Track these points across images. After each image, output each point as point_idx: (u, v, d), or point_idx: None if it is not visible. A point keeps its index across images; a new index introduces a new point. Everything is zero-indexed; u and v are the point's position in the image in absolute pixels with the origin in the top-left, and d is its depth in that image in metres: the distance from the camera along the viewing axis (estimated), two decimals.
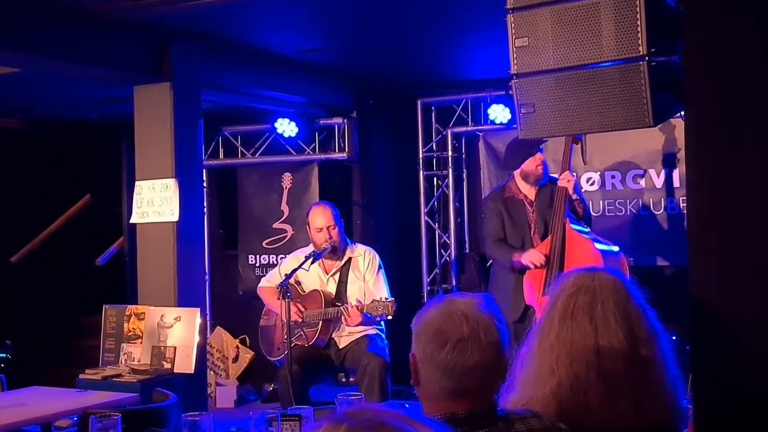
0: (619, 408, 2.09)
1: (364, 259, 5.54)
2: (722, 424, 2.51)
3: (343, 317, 5.32)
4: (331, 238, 5.43)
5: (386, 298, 5.26)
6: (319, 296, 5.44)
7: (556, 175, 5.49)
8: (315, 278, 5.53)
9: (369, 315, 5.25)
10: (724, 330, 2.50)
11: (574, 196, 5.27)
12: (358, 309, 5.27)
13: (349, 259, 5.54)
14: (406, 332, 2.06)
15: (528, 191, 5.57)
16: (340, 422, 1.22)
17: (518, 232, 5.52)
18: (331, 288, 5.52)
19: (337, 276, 5.53)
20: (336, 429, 1.21)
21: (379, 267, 5.55)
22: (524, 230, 5.52)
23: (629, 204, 6.97)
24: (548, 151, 6.71)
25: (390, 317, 5.20)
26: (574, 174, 5.42)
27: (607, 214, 7.01)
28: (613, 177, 7.03)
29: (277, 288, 5.16)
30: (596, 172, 7.05)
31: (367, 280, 5.51)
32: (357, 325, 5.34)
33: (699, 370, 2.56)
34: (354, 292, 5.46)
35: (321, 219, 5.47)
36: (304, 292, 5.52)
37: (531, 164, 5.52)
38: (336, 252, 5.49)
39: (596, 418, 2.09)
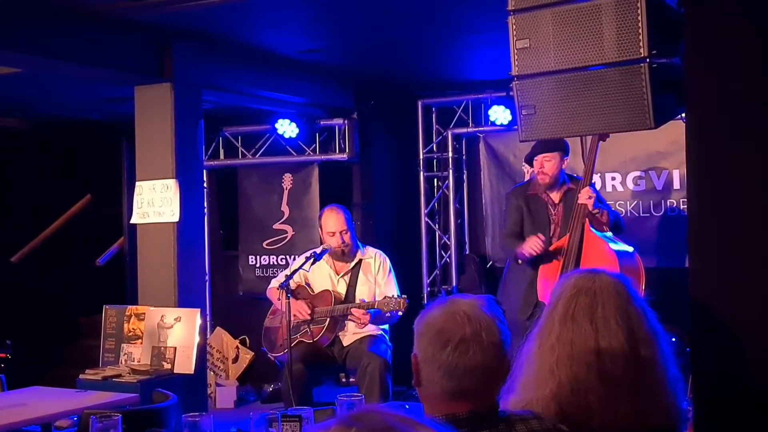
0: (620, 409, 2.09)
1: (374, 261, 5.57)
2: (722, 426, 2.51)
3: (353, 320, 5.35)
4: (344, 242, 5.46)
5: (398, 295, 5.30)
6: (329, 296, 5.48)
7: (580, 175, 5.33)
8: (326, 279, 5.56)
9: (380, 311, 5.27)
10: (724, 331, 2.50)
11: (595, 211, 5.11)
12: (363, 307, 5.29)
13: (360, 261, 5.57)
14: (407, 333, 2.07)
15: (551, 193, 5.48)
16: (349, 426, 1.22)
17: (536, 230, 5.42)
18: (341, 289, 5.55)
19: (347, 278, 5.57)
20: None
21: (390, 270, 5.60)
22: (543, 229, 5.41)
23: (629, 206, 6.97)
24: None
25: (401, 313, 5.22)
26: (596, 189, 5.29)
27: None
28: (613, 178, 7.03)
29: (278, 288, 5.18)
30: (596, 173, 7.05)
31: (379, 282, 5.54)
32: (366, 324, 5.37)
33: (699, 372, 2.56)
34: (363, 294, 5.49)
35: (334, 223, 5.48)
36: (314, 292, 5.55)
37: (535, 168, 5.48)
38: (346, 255, 5.51)
39: (596, 420, 2.09)
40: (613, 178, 7.02)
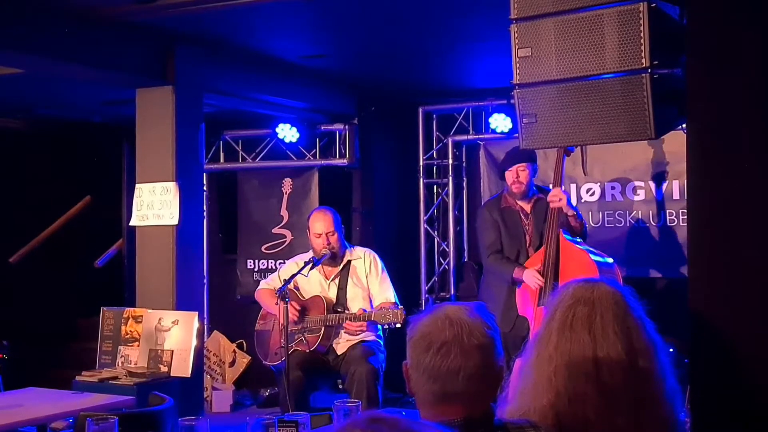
0: (617, 421, 2.08)
1: (363, 261, 5.50)
2: None
3: (349, 332, 5.31)
4: (329, 244, 5.41)
5: (394, 304, 5.24)
6: (321, 302, 5.40)
7: (550, 186, 5.51)
8: (315, 284, 5.50)
9: (376, 322, 5.23)
10: (723, 343, 2.50)
11: (570, 212, 5.27)
12: (359, 318, 5.26)
13: (348, 262, 5.51)
14: (403, 340, 2.07)
15: (522, 203, 5.61)
16: (367, 427, 1.21)
17: (514, 243, 5.55)
18: (332, 293, 5.48)
19: (337, 281, 5.50)
20: None
21: (383, 269, 5.52)
22: (520, 241, 5.55)
23: (629, 215, 6.98)
24: (547, 160, 6.74)
25: (399, 325, 5.13)
26: (566, 191, 5.43)
27: (606, 225, 7.01)
28: (613, 188, 7.04)
29: (276, 293, 5.14)
30: (596, 183, 7.06)
31: (371, 282, 5.47)
32: (359, 332, 5.34)
33: (697, 383, 2.56)
34: (355, 297, 5.43)
35: (320, 225, 5.45)
36: (304, 297, 5.50)
37: (508, 179, 5.59)
38: (335, 258, 5.47)
39: (593, 431, 2.08)
40: (613, 188, 7.02)
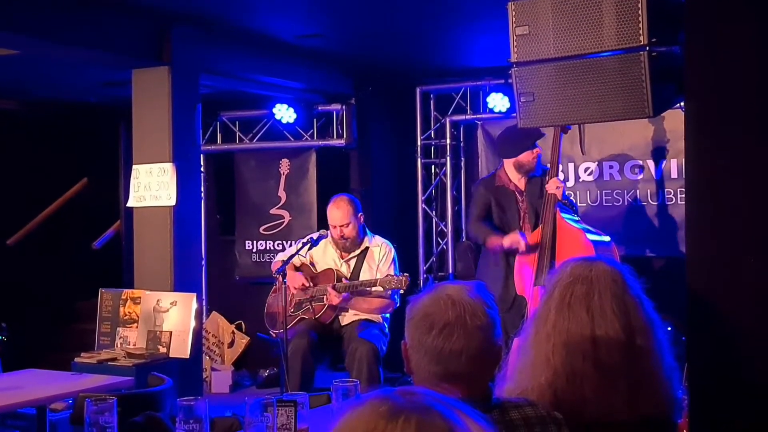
0: (615, 399, 2.09)
1: (380, 250, 5.62)
2: (717, 415, 2.52)
3: (326, 297, 5.43)
4: (343, 235, 5.51)
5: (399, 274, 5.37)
6: (332, 274, 5.54)
7: (547, 165, 5.52)
8: (330, 261, 5.64)
9: (381, 287, 5.35)
10: (720, 321, 2.50)
11: (564, 201, 5.32)
12: (365, 284, 5.40)
13: (366, 248, 5.62)
14: (401, 320, 2.07)
15: (518, 181, 5.65)
16: (397, 402, 1.21)
17: (509, 221, 5.60)
18: (345, 271, 5.61)
19: (352, 262, 5.62)
20: (379, 406, 1.20)
21: (394, 260, 5.64)
22: (515, 219, 5.60)
23: (627, 194, 6.97)
24: (544, 140, 6.74)
25: (402, 291, 5.30)
26: (564, 180, 5.44)
27: (604, 204, 7.01)
28: (611, 167, 7.03)
29: (274, 274, 5.22)
30: (594, 162, 7.05)
31: (381, 269, 5.58)
32: (337, 303, 5.42)
33: (694, 361, 2.57)
34: (365, 277, 5.56)
35: (336, 215, 5.52)
36: (317, 271, 5.62)
37: (528, 156, 5.58)
38: (349, 246, 5.57)
39: (591, 409, 2.09)
40: (611, 167, 7.01)
